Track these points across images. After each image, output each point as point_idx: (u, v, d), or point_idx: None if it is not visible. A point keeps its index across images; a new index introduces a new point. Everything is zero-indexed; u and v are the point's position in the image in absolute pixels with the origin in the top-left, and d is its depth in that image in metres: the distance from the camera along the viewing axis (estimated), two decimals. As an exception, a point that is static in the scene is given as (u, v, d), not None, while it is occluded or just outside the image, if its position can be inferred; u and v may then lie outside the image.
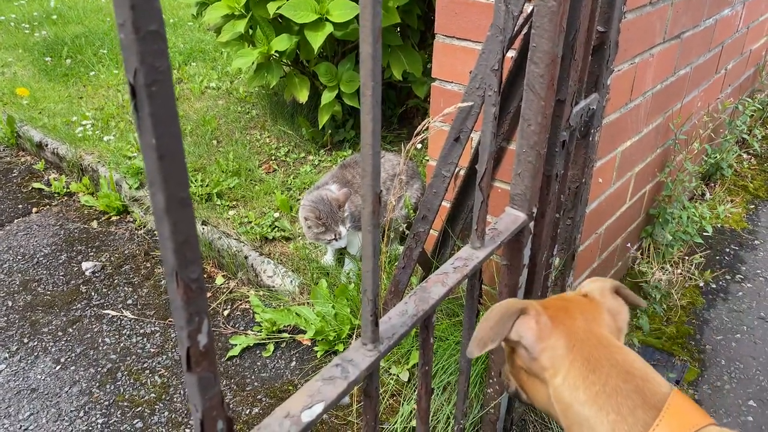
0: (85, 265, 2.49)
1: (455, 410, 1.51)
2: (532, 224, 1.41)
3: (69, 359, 2.08)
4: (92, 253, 2.58)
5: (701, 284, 2.00)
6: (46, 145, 3.19)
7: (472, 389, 1.76)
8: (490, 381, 1.61)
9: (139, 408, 1.90)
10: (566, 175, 1.54)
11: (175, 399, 1.93)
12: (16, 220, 2.80)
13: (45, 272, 2.47)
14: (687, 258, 1.94)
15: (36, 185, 3.04)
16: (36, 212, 2.86)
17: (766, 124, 3.29)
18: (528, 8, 1.40)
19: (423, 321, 1.12)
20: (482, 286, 1.88)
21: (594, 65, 1.52)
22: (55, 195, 2.98)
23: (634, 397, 0.84)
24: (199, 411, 0.70)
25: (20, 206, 2.90)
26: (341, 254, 2.36)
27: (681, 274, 1.72)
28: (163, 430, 1.83)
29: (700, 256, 1.97)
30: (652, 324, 2.05)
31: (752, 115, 2.96)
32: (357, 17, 2.55)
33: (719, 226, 2.63)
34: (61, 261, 2.54)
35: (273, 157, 3.01)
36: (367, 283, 0.91)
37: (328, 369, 0.95)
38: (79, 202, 2.91)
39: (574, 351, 0.92)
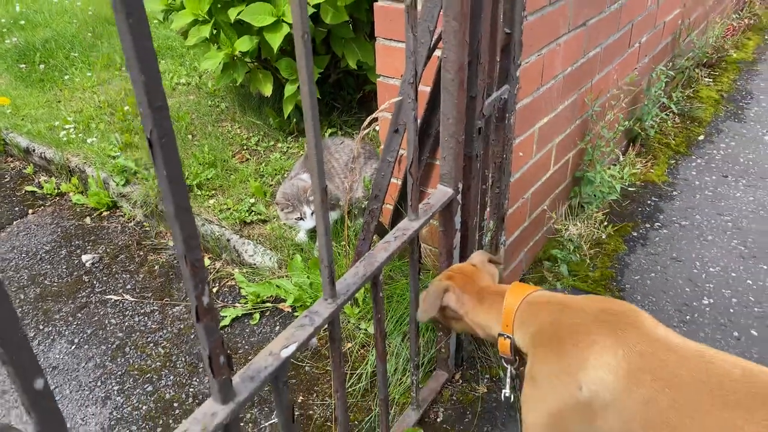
0: (84, 257, 2.79)
1: (410, 350, 1.86)
2: (459, 196, 1.75)
3: (82, 339, 2.39)
4: (89, 247, 2.87)
5: (604, 236, 2.36)
6: (33, 150, 3.44)
7: (426, 334, 2.11)
8: (440, 326, 1.97)
9: (148, 375, 2.23)
10: (487, 155, 1.87)
11: (177, 365, 2.26)
12: (14, 222, 3.07)
13: (49, 266, 2.77)
14: (594, 214, 2.30)
15: (28, 188, 3.31)
16: (32, 213, 3.14)
17: (686, 87, 3.65)
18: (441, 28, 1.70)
19: (372, 279, 1.45)
20: (421, 249, 2.22)
21: (504, 61, 1.84)
22: (48, 196, 3.25)
23: (495, 302, 1.50)
24: (207, 350, 1.02)
25: (16, 209, 3.17)
26: (313, 232, 2.68)
27: (588, 228, 2.08)
28: (171, 391, 2.16)
29: (603, 214, 2.36)
30: (579, 270, 2.42)
31: (668, 81, 3.31)
32: (311, 17, 2.83)
33: (640, 183, 3.00)
34: (62, 255, 2.83)
35: (245, 147, 3.30)
36: (323, 254, 1.24)
37: (299, 319, 1.28)
38: (71, 201, 3.19)
39: (473, 299, 1.54)
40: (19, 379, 0.78)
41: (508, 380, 1.54)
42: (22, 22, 5.18)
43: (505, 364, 1.52)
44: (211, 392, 1.10)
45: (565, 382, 1.30)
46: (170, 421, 2.06)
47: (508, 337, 1.46)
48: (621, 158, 2.90)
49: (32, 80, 4.20)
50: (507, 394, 1.55)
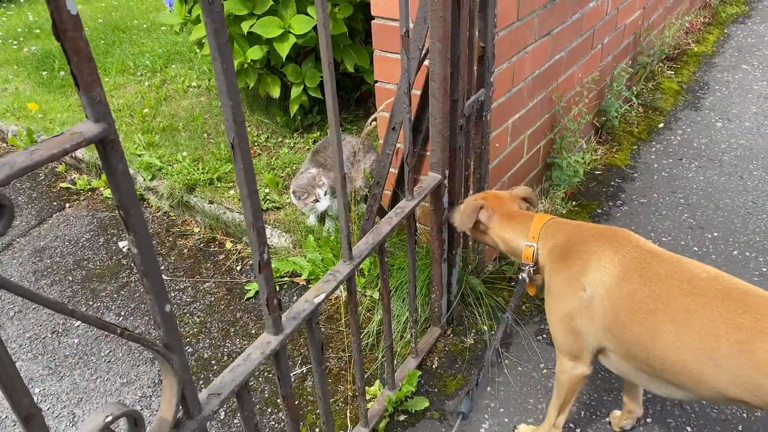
0: (121, 243, 3.18)
1: (408, 306, 2.27)
2: (446, 181, 2.15)
3: (127, 312, 2.79)
4: (124, 234, 3.26)
5: (564, 211, 2.78)
6: (64, 151, 3.81)
7: (421, 298, 2.52)
8: (433, 287, 2.38)
9: (187, 339, 2.63)
10: (468, 147, 2.28)
11: (212, 331, 2.67)
12: (54, 215, 3.46)
13: (90, 252, 3.16)
14: (556, 193, 2.72)
15: (63, 185, 3.69)
16: (69, 207, 3.52)
17: (649, 80, 4.06)
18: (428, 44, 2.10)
19: (379, 246, 1.86)
20: (417, 224, 2.63)
21: (480, 69, 2.24)
22: (81, 191, 3.64)
23: (523, 221, 1.90)
24: (265, 293, 1.43)
25: (54, 203, 3.56)
26: (321, 217, 3.08)
27: (552, 205, 2.49)
28: (208, 351, 2.57)
29: (564, 193, 2.79)
30: (551, 243, 2.84)
31: (629, 77, 3.72)
32: (314, 28, 3.22)
33: (605, 167, 3.43)
34: (100, 243, 3.22)
35: (256, 144, 3.69)
36: (343, 226, 1.65)
37: (325, 276, 1.69)
38: (102, 195, 3.57)
39: (502, 218, 1.95)
40: (156, 304, 1.19)
41: (525, 272, 1.88)
42: (37, 30, 5.53)
43: (523, 267, 1.89)
44: (265, 327, 1.51)
45: (573, 286, 1.68)
46: (210, 376, 2.46)
47: (532, 245, 1.84)
48: (584, 146, 3.32)
49: (54, 86, 4.56)
50: (523, 277, 1.89)
